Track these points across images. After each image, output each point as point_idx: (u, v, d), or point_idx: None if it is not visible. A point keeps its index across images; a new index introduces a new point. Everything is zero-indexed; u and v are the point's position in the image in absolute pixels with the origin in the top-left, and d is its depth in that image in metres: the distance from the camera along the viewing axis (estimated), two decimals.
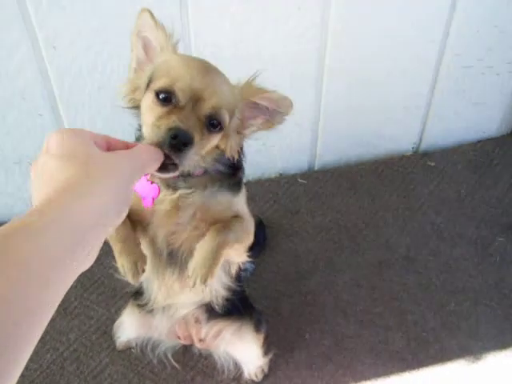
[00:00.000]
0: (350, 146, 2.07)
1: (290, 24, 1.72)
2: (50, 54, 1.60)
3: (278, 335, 1.54)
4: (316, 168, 2.10)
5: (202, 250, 1.08)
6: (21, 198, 1.91)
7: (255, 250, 1.30)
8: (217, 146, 1.04)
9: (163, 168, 0.88)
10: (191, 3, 1.61)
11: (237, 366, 1.45)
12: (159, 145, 0.87)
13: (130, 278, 1.10)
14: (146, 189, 1.05)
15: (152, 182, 1.04)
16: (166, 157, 0.88)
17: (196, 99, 0.94)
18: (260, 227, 1.76)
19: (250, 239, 1.19)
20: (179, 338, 1.41)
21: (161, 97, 0.93)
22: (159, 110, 0.93)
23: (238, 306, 1.34)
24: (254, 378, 1.47)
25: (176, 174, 0.92)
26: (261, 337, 1.41)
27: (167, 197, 1.07)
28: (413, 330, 1.58)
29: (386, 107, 2.00)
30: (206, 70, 0.98)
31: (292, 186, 2.03)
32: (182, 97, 0.93)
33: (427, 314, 1.62)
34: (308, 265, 1.76)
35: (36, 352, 1.52)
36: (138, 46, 1.03)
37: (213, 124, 0.96)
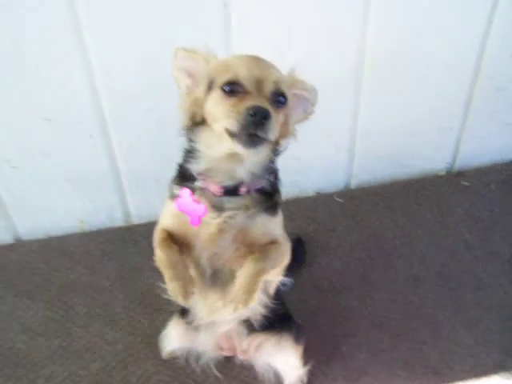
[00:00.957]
0: (385, 166, 2.12)
1: (328, 47, 1.80)
2: (104, 80, 1.70)
3: (316, 348, 1.57)
4: (352, 187, 2.16)
5: (241, 277, 1.16)
6: (71, 214, 2.01)
7: (294, 265, 1.36)
8: (276, 144, 1.14)
9: (251, 143, 1.01)
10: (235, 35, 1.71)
11: (277, 377, 1.49)
12: (242, 126, 0.99)
13: (180, 301, 1.17)
14: (194, 208, 1.13)
15: (199, 202, 1.12)
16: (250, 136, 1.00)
17: (259, 83, 1.07)
18: (299, 244, 1.84)
19: (286, 261, 1.26)
20: (222, 349, 1.47)
21: (227, 89, 1.06)
22: (229, 101, 1.05)
23: (277, 320, 1.39)
24: None
25: (264, 147, 1.05)
26: (300, 348, 1.46)
27: (212, 220, 1.14)
28: (447, 344, 1.61)
29: (420, 128, 2.06)
30: (258, 59, 1.11)
31: (329, 204, 2.09)
32: (247, 83, 1.06)
33: (461, 330, 1.65)
34: (344, 280, 1.81)
35: (85, 360, 1.60)
36: (182, 77, 1.16)
37: (278, 100, 1.08)
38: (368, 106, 1.96)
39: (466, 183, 2.16)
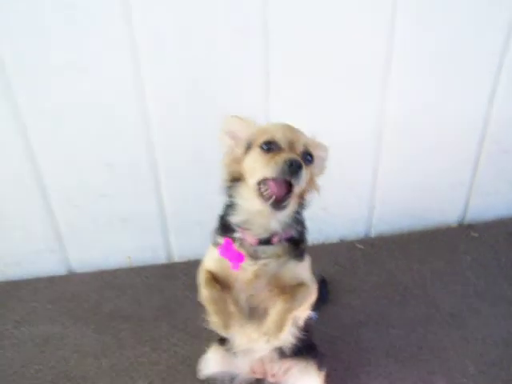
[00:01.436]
0: (402, 217, 2.31)
1: (350, 110, 2.04)
2: (158, 132, 1.96)
3: (337, 375, 1.75)
4: (372, 235, 2.35)
5: (273, 314, 1.35)
6: (120, 250, 2.24)
7: (319, 302, 1.55)
8: (301, 195, 1.35)
9: (277, 207, 1.23)
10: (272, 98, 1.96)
11: None
12: (280, 174, 1.20)
13: (221, 332, 1.36)
14: (234, 256, 1.37)
15: (238, 251, 1.35)
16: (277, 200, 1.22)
17: (291, 144, 1.29)
18: (323, 284, 2.03)
19: (312, 300, 1.46)
20: (254, 372, 1.64)
21: (265, 147, 1.28)
22: (267, 156, 1.27)
23: (304, 348, 1.57)
24: None
25: (288, 205, 1.25)
26: (322, 374, 1.61)
27: (249, 267, 1.35)
28: (455, 375, 1.78)
29: (433, 184, 2.27)
30: (290, 126, 1.34)
31: (351, 250, 2.28)
32: (282, 143, 1.28)
33: (468, 362, 1.82)
34: (364, 316, 1.98)
35: (132, 377, 1.79)
36: (227, 139, 1.39)
37: (306, 159, 1.30)
38: (387, 164, 2.16)
39: (476, 234, 2.35)
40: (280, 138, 1.30)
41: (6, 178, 1.98)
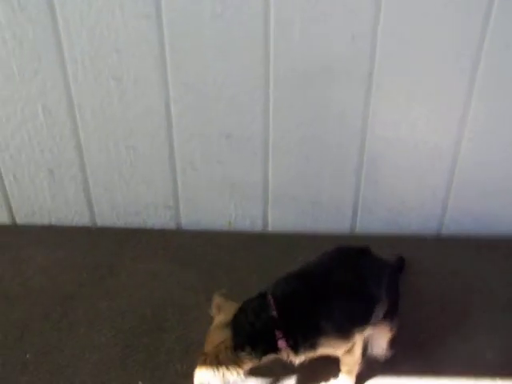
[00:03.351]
0: (472, 221, 2.49)
1: (434, 119, 2.33)
2: (274, 111, 2.32)
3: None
4: (443, 233, 2.55)
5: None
6: (223, 215, 2.59)
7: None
8: None
9: None
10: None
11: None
12: None
13: None
14: None
15: None
16: None
17: None
18: (401, 259, 2.29)
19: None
20: None
21: None
22: None
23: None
24: None
25: None
26: (392, 333, 1.87)
27: None
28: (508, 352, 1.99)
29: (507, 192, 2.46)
30: None
31: (421, 242, 2.50)
32: None
33: None
34: (428, 296, 2.22)
35: None
36: None
37: None
38: (463, 167, 2.38)
39: None
40: None
41: (148, 143, 2.36)
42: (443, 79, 2.17)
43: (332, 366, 1.86)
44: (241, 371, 1.53)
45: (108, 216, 2.55)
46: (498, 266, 2.38)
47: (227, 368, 1.50)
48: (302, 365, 1.70)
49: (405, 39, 2.08)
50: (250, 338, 1.54)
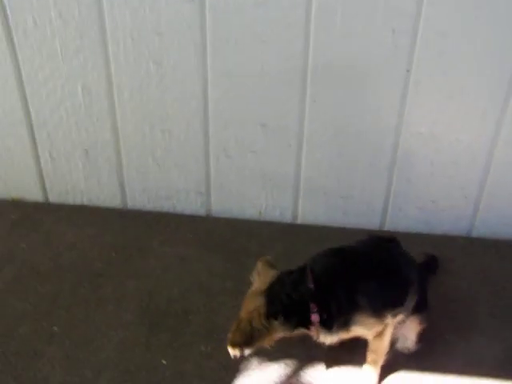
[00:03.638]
0: (504, 224, 2.49)
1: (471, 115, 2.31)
2: (311, 108, 2.33)
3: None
4: (473, 235, 2.53)
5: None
6: (254, 205, 2.60)
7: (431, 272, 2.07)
8: None
9: None
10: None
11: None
12: None
13: None
14: None
15: None
16: None
17: None
18: (434, 258, 2.27)
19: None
20: None
21: None
22: None
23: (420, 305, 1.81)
24: None
25: None
26: (422, 327, 1.88)
27: None
28: None
29: None
30: None
31: (452, 242, 2.47)
32: None
33: None
34: (455, 294, 2.20)
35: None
36: None
37: None
38: (498, 169, 2.35)
39: None
40: None
41: (183, 128, 2.38)
42: (482, 78, 2.15)
43: (357, 356, 1.85)
44: (272, 340, 1.56)
45: (139, 199, 2.57)
46: None
47: (259, 334, 1.51)
48: (330, 348, 1.73)
49: (445, 36, 2.07)
50: (284, 308, 1.55)
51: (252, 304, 1.58)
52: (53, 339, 1.96)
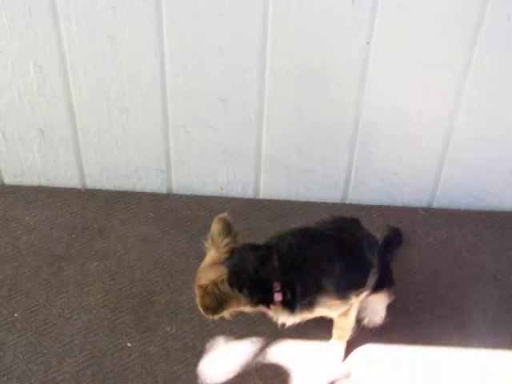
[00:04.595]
0: (463, 195, 2.53)
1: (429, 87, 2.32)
2: (272, 78, 2.28)
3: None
4: (434, 206, 2.55)
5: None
6: (215, 180, 2.54)
7: (395, 246, 2.10)
8: None
9: None
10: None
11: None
12: None
13: None
14: None
15: None
16: None
17: None
18: (397, 231, 2.31)
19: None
20: None
21: None
22: None
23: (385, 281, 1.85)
24: None
25: None
26: (390, 299, 1.93)
27: None
28: (490, 323, 2.05)
29: (497, 169, 2.45)
30: None
31: (413, 214, 2.48)
32: None
33: (507, 316, 2.07)
34: (418, 265, 2.24)
35: None
36: None
37: None
38: (457, 143, 2.35)
39: None
40: None
41: (141, 104, 2.30)
42: (441, 51, 2.13)
43: (322, 331, 1.86)
44: (234, 310, 1.57)
45: (98, 178, 2.51)
46: (486, 240, 2.39)
47: (227, 298, 1.51)
48: (291, 328, 1.70)
49: (405, 8, 2.03)
50: (251, 282, 1.53)
51: (212, 272, 1.55)
52: (14, 326, 1.92)
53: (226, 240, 1.60)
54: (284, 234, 1.68)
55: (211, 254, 1.62)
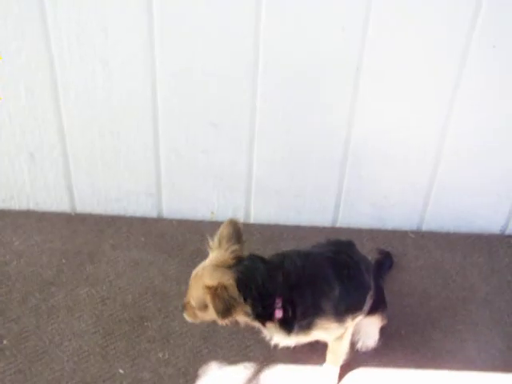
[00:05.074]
0: (451, 218, 2.55)
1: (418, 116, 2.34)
2: (262, 107, 2.29)
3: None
4: (423, 229, 2.56)
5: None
6: (206, 205, 2.54)
7: (387, 270, 2.12)
8: None
9: None
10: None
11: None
12: None
13: None
14: None
15: None
16: None
17: None
18: (388, 255, 2.31)
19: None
20: None
21: None
22: None
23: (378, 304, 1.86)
24: None
25: None
26: (383, 323, 1.93)
27: None
28: (485, 346, 2.05)
29: (483, 193, 2.47)
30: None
31: (404, 237, 2.50)
32: None
33: (497, 339, 2.08)
34: (409, 289, 2.25)
35: None
36: None
37: None
38: (445, 166, 2.38)
39: None
40: None
41: (132, 128, 2.30)
42: (430, 76, 2.16)
43: (315, 355, 1.85)
44: (233, 318, 1.54)
45: (88, 202, 2.49)
46: (475, 262, 2.41)
47: (235, 304, 1.48)
48: (284, 352, 1.72)
49: (394, 34, 2.07)
50: (256, 293, 1.50)
51: (218, 274, 1.53)
52: (3, 354, 1.88)
53: (235, 247, 1.58)
54: (288, 253, 1.68)
55: (216, 256, 1.60)
